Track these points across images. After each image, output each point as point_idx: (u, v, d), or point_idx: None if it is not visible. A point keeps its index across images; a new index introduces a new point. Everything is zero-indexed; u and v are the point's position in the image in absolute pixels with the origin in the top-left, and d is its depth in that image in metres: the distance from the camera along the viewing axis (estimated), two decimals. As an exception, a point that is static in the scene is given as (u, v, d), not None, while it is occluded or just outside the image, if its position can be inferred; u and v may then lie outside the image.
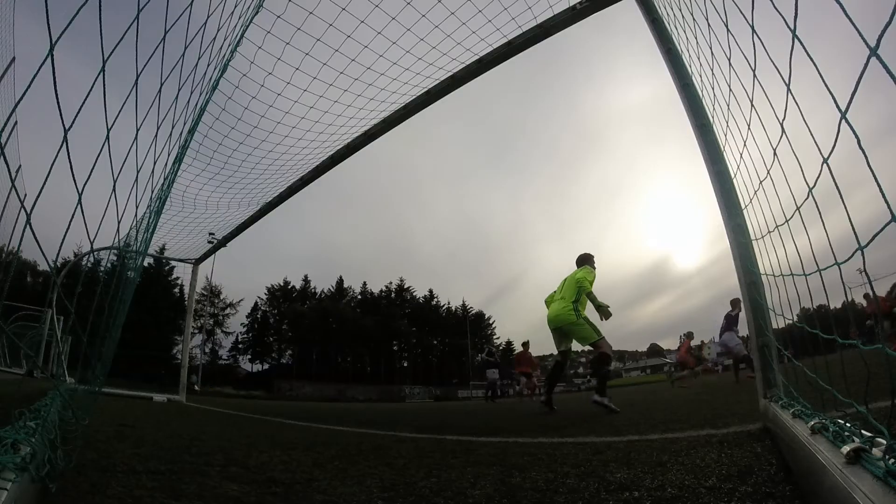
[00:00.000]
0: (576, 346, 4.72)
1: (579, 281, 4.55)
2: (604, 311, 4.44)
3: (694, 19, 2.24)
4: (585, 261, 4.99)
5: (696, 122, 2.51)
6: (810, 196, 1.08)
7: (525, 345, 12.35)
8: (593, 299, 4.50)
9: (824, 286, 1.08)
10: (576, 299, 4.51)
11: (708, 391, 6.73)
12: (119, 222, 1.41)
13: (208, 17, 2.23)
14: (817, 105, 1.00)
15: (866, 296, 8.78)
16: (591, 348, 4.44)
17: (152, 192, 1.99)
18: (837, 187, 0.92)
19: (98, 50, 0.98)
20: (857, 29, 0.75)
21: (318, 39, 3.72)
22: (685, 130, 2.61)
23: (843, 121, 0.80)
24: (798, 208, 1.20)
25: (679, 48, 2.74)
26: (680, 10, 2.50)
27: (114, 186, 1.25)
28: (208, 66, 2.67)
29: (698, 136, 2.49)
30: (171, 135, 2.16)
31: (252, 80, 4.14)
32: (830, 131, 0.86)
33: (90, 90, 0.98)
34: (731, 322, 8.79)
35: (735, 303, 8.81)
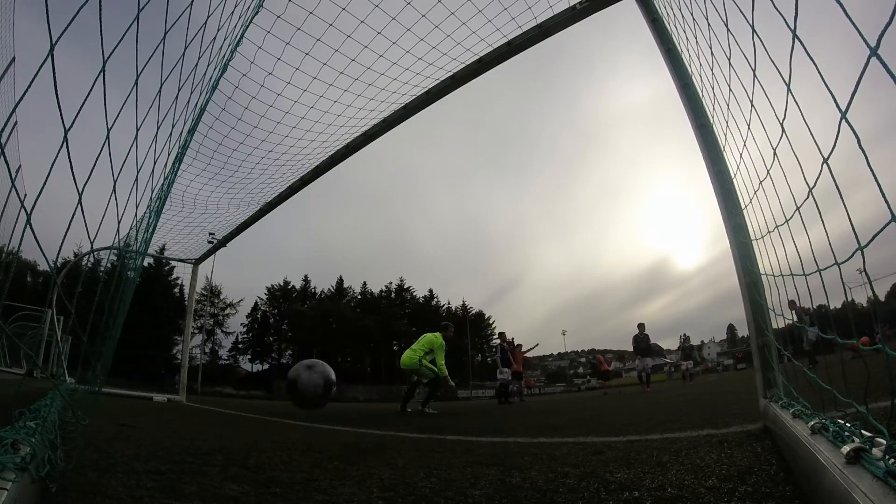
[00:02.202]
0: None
1: (431, 345, 6.32)
2: (445, 382, 6.28)
3: (694, 19, 2.24)
4: (444, 329, 6.65)
5: (696, 122, 2.50)
6: (810, 196, 1.08)
7: (518, 346, 12.53)
8: (441, 368, 6.23)
9: (824, 286, 1.07)
10: (423, 355, 6.23)
11: (708, 391, 6.73)
12: (119, 222, 1.41)
13: (208, 16, 2.23)
14: (817, 104, 1.00)
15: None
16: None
17: (152, 192, 1.99)
18: (837, 187, 0.92)
19: (98, 50, 0.98)
20: (857, 29, 0.75)
21: (318, 39, 3.72)
22: (685, 130, 2.61)
23: (844, 121, 0.80)
24: (798, 208, 1.20)
25: (679, 48, 2.74)
26: (680, 9, 2.50)
27: (114, 186, 1.25)
28: (208, 65, 2.67)
29: (698, 136, 2.49)
30: (170, 135, 2.17)
31: (252, 80, 4.14)
32: (831, 131, 0.86)
33: (90, 90, 0.98)
34: (641, 343, 11.28)
35: (641, 326, 11.37)
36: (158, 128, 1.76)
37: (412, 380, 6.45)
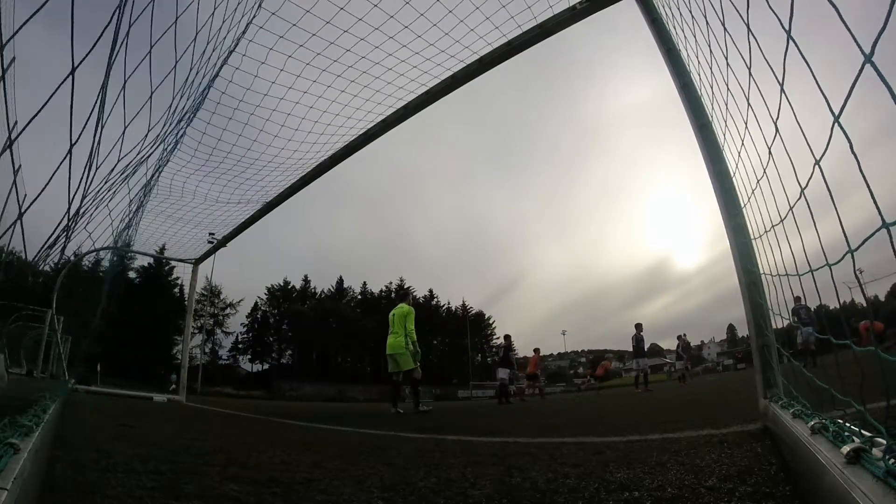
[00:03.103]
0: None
1: (404, 318, 6.20)
2: (416, 351, 6.13)
3: (705, 17, 2.23)
4: (404, 298, 6.65)
5: (696, 122, 2.50)
6: (803, 197, 1.08)
7: (536, 350, 13.85)
8: (413, 340, 6.13)
9: (816, 287, 1.07)
10: (405, 334, 6.14)
11: (708, 391, 6.73)
12: (111, 216, 1.41)
13: (198, 22, 2.24)
14: (817, 104, 1.00)
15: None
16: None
17: (143, 189, 1.99)
18: (829, 189, 0.92)
19: (100, 54, 0.99)
20: (853, 36, 0.75)
21: (313, 34, 3.73)
22: (685, 130, 2.61)
23: (837, 125, 0.80)
24: (791, 208, 1.20)
25: (679, 48, 2.74)
26: (685, 8, 2.50)
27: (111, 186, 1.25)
28: (204, 71, 2.68)
29: (698, 136, 2.49)
30: (164, 135, 2.17)
31: (251, 80, 4.15)
32: (828, 130, 0.86)
33: (97, 100, 0.98)
34: (639, 344, 11.44)
35: (639, 326, 11.50)
36: (148, 129, 1.76)
37: (394, 373, 6.24)
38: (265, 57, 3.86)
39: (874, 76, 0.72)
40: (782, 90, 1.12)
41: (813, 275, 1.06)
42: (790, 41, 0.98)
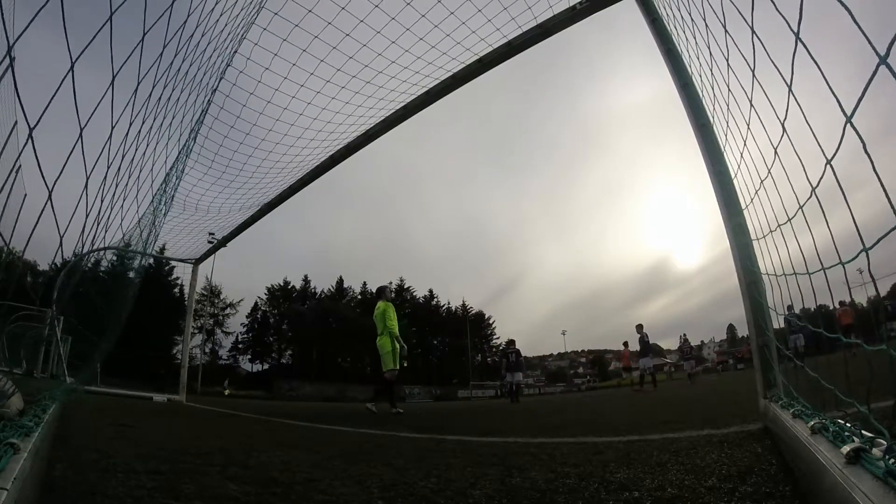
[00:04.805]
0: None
1: (385, 316, 6.10)
2: (401, 346, 6.11)
3: (703, 17, 2.23)
4: (381, 295, 6.48)
5: (696, 122, 2.50)
6: (813, 196, 1.08)
7: (625, 344, 14.58)
8: (395, 336, 6.05)
9: (814, 288, 1.07)
10: (392, 329, 6.07)
11: (708, 391, 6.73)
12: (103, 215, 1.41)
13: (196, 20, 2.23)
14: (817, 104, 1.00)
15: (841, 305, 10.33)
16: None
17: (154, 193, 1.99)
18: (842, 188, 0.92)
19: (105, 56, 0.98)
20: (867, 37, 0.74)
21: (315, 36, 3.72)
22: (686, 131, 2.61)
23: (849, 124, 0.80)
24: (801, 207, 1.19)
25: (679, 48, 2.74)
26: (685, 8, 2.50)
27: (114, 188, 1.25)
28: (205, 72, 2.68)
29: (698, 136, 2.49)
30: (169, 136, 2.17)
31: (252, 81, 4.15)
32: (831, 130, 0.86)
33: (99, 105, 0.98)
34: (640, 344, 11.66)
35: (639, 327, 11.69)
36: (145, 128, 1.76)
37: (390, 368, 6.09)
38: (264, 56, 3.87)
39: (875, 76, 0.72)
40: (790, 91, 1.11)
41: (821, 274, 1.06)
42: (798, 42, 0.98)
